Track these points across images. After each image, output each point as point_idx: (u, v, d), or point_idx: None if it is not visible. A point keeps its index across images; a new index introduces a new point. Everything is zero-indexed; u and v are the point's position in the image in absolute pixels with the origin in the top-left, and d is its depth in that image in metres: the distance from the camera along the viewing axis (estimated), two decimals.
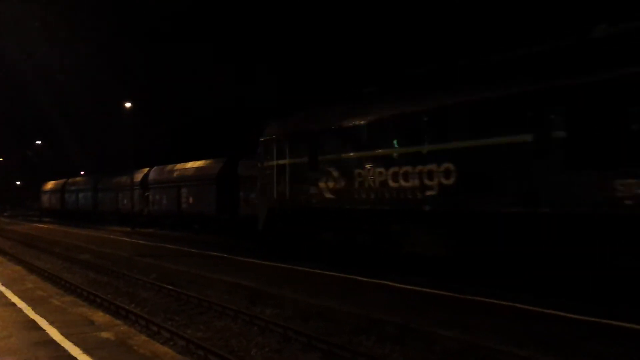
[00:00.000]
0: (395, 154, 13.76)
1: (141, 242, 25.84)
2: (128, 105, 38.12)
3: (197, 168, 31.62)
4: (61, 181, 57.51)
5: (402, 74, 15.81)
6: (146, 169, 38.20)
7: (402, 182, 13.40)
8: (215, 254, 19.40)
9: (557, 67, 10.72)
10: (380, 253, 14.30)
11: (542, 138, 10.50)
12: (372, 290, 11.71)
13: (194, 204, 31.33)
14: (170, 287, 13.63)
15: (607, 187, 9.48)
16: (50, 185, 61.31)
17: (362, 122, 14.92)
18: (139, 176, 37.86)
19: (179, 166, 33.96)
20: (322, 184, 15.97)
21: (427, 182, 12.74)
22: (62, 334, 8.14)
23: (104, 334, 8.25)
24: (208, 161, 31.22)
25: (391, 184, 13.70)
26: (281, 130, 18.32)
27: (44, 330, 8.43)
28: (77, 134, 73.33)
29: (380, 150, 14.19)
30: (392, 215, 13.80)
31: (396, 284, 11.98)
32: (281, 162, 17.82)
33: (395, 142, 13.83)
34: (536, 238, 10.59)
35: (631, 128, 9.28)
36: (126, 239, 28.23)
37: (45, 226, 43.85)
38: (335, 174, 15.49)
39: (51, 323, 8.84)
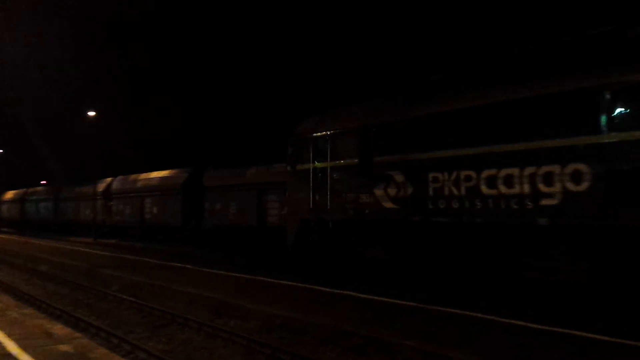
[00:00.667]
0: (492, 153, 11.14)
1: (103, 253, 25.42)
2: (92, 114, 37.56)
3: (162, 178, 31.31)
4: (21, 191, 56.29)
5: (491, 56, 13.14)
6: (109, 179, 37.67)
7: (503, 189, 10.84)
8: (180, 265, 19.17)
9: None
10: (461, 274, 11.94)
11: None
12: (338, 300, 11.70)
13: (158, 215, 30.99)
14: (132, 298, 13.43)
15: None
16: (9, 194, 59.92)
17: (439, 115, 12.32)
18: (101, 186, 37.32)
19: (143, 176, 33.57)
20: (378, 191, 13.36)
21: (543, 188, 10.19)
22: (20, 346, 7.94)
23: (63, 347, 8.08)
24: (173, 171, 30.94)
25: (485, 190, 11.16)
26: (320, 126, 15.50)
27: (1, 342, 8.21)
28: (40, 142, 71.92)
29: (469, 149, 11.58)
30: (486, 229, 11.34)
31: (362, 295, 12.01)
32: (320, 164, 15.15)
33: (491, 137, 11.18)
34: None
35: None
36: (88, 250, 27.71)
37: (4, 237, 42.79)
38: (399, 178, 12.90)
39: (9, 335, 8.62)
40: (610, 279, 9.46)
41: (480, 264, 11.46)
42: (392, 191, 13.09)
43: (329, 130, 15.03)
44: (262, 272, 16.46)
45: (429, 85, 13.44)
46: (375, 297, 11.68)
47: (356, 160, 14.08)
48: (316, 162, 15.29)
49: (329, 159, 14.87)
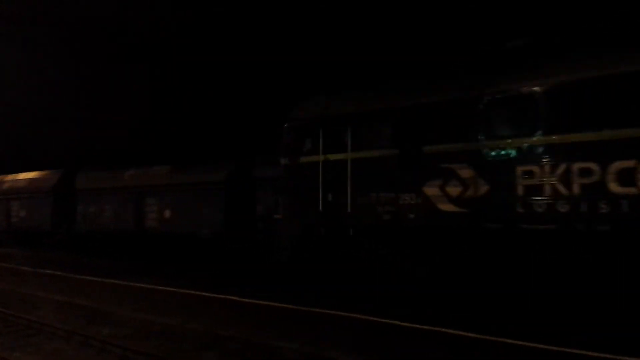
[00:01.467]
0: (627, 139, 8.58)
1: None
2: None
3: (30, 180, 29.55)
4: None
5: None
6: None
7: None
8: (49, 271, 18.16)
9: None
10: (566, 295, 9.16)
11: None
12: (218, 306, 11.60)
13: (26, 219, 29.22)
14: None
15: None
16: None
17: (537, 90, 9.62)
18: None
19: (10, 177, 31.52)
20: (431, 190, 10.71)
21: None
22: None
23: None
24: (43, 172, 29.30)
25: (615, 189, 8.68)
26: (335, 108, 12.70)
27: None
28: None
29: (589, 134, 8.97)
30: (618, 239, 8.78)
31: (243, 299, 11.97)
32: (335, 156, 12.34)
33: (629, 118, 8.62)
34: None
35: None
36: None
37: None
38: (466, 173, 10.28)
39: None
40: None
41: (605, 284, 8.85)
42: (453, 190, 10.48)
43: (350, 113, 12.24)
44: (140, 277, 15.93)
45: (510, 54, 10.86)
46: (258, 301, 11.67)
47: (395, 151, 11.38)
48: (328, 154, 12.49)
49: (349, 149, 12.08)
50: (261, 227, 18.54)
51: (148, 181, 22.28)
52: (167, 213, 21.28)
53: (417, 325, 9.22)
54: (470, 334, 8.56)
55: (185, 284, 14.16)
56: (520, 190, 9.65)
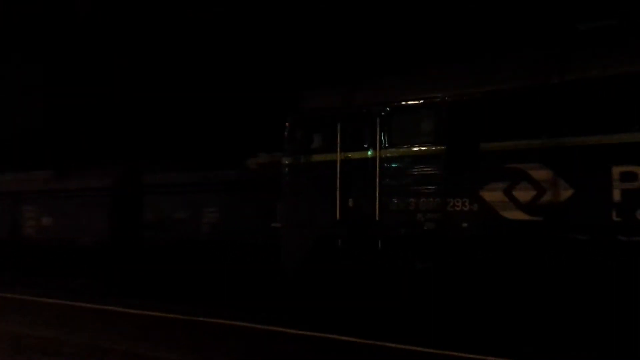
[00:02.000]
0: None
1: None
2: None
3: None
4: None
5: None
6: None
7: None
8: None
9: None
10: None
11: None
12: (97, 317, 11.17)
13: None
14: None
15: None
16: None
17: None
18: None
19: None
20: (492, 194, 8.92)
21: None
22: None
23: None
24: None
25: None
26: (358, 98, 10.92)
27: None
28: None
29: None
30: None
31: (122, 309, 11.64)
32: (358, 154, 10.52)
33: None
34: None
35: None
36: None
37: None
38: (540, 174, 8.51)
39: None
40: None
41: None
42: (523, 194, 8.72)
43: (380, 103, 10.43)
44: (14, 288, 15.01)
45: (593, 34, 9.06)
46: (138, 311, 11.38)
47: (441, 147, 9.63)
48: (347, 152, 10.66)
49: (378, 146, 10.32)
50: (149, 235, 18.00)
51: (26, 186, 21.08)
52: (46, 221, 20.21)
53: (302, 332, 9.34)
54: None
55: (64, 295, 13.53)
56: (617, 195, 7.97)
